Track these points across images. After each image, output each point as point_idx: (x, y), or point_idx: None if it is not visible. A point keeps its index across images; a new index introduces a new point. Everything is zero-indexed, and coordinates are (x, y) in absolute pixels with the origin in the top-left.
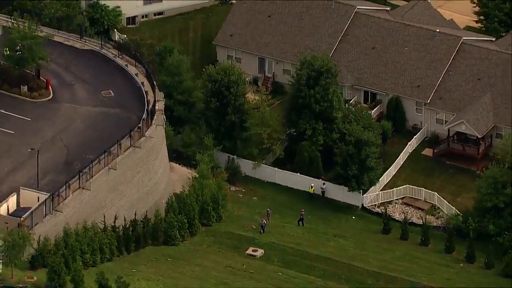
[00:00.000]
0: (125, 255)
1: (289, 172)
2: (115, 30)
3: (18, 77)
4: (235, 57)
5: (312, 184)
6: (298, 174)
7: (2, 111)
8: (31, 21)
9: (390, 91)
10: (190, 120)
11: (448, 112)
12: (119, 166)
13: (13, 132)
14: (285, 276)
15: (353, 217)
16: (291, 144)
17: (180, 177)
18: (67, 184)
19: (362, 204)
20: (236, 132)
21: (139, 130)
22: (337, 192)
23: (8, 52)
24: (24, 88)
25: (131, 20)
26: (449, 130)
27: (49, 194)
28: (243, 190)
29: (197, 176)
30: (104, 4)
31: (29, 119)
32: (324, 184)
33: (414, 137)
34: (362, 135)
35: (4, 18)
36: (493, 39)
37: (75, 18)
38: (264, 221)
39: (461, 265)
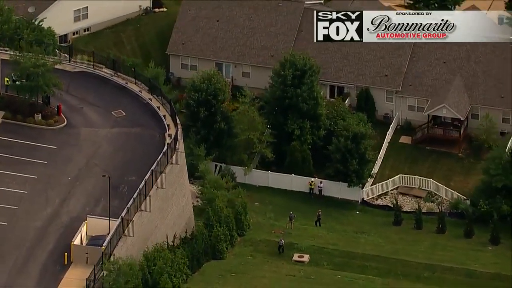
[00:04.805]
0: (190, 274)
1: (283, 174)
2: (57, 50)
3: (29, 106)
4: (190, 65)
5: (312, 180)
6: (292, 175)
7: (29, 142)
8: (39, 48)
9: (359, 83)
10: None
11: (420, 98)
12: (162, 184)
13: (45, 162)
14: (346, 278)
15: (357, 212)
16: (275, 146)
17: None
18: (128, 208)
19: (362, 199)
20: (225, 140)
21: (169, 146)
22: (334, 189)
23: (8, 83)
24: (39, 116)
25: (63, 38)
26: (429, 115)
27: (119, 220)
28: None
29: (208, 187)
30: (41, 25)
31: (55, 147)
32: (321, 182)
33: (390, 126)
34: (358, 128)
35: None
36: None
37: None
38: (283, 240)
39: (490, 248)
